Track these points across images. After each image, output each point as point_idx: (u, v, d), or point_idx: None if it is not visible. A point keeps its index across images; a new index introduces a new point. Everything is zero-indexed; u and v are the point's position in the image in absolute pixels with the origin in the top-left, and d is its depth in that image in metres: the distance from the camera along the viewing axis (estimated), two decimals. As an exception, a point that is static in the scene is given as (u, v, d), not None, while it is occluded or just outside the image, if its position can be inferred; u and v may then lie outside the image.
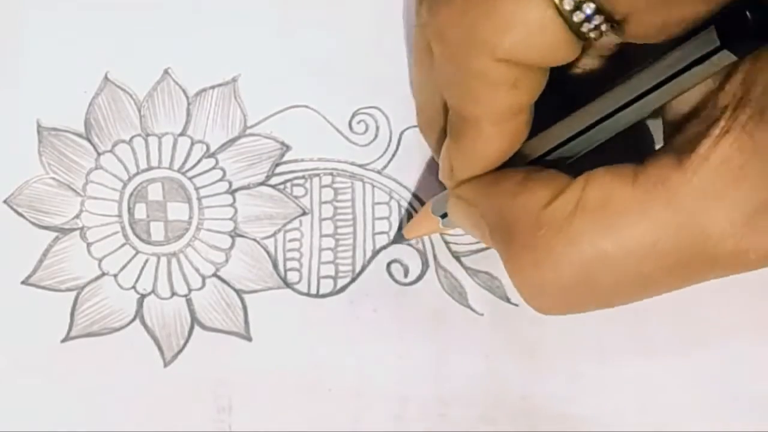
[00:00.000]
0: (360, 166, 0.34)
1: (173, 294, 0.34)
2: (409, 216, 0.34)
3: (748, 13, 0.22)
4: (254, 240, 0.34)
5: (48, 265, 0.34)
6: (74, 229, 0.34)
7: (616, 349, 0.34)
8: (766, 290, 0.34)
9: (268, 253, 0.34)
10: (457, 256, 0.34)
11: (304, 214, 0.34)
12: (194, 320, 0.34)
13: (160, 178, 0.34)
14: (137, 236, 0.34)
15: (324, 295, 0.34)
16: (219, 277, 0.34)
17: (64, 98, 0.34)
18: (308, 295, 0.34)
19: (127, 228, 0.34)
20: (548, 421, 0.34)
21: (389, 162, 0.34)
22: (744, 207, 0.23)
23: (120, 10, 0.34)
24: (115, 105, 0.34)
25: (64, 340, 0.33)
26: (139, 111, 0.34)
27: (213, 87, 0.34)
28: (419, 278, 0.34)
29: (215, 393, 0.34)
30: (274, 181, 0.34)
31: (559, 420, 0.34)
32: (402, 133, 0.34)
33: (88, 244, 0.34)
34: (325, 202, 0.34)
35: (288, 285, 0.34)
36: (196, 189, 0.34)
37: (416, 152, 0.34)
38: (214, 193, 0.34)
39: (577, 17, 0.24)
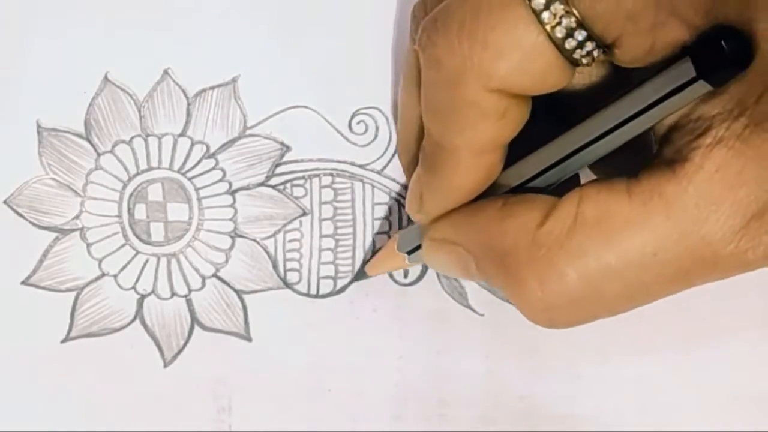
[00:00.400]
0: (360, 166, 0.34)
1: (173, 294, 0.34)
2: (374, 251, 0.34)
3: (723, 42, 0.22)
4: (254, 240, 0.34)
5: (48, 266, 0.34)
6: (74, 230, 0.34)
7: (616, 349, 0.34)
8: (766, 290, 0.34)
9: (267, 253, 0.34)
10: (457, 257, 0.34)
11: (304, 214, 0.34)
12: (194, 320, 0.34)
13: (160, 179, 0.34)
14: (137, 237, 0.34)
15: (324, 296, 0.34)
16: (219, 278, 0.34)
17: (64, 99, 0.34)
18: (308, 295, 0.34)
19: (127, 228, 0.34)
20: (548, 421, 0.34)
21: (389, 162, 0.34)
22: (743, 211, 0.24)
23: (120, 10, 0.34)
24: (115, 105, 0.34)
25: (64, 341, 0.33)
26: (139, 111, 0.34)
27: (213, 87, 0.34)
28: (419, 278, 0.34)
29: (215, 393, 0.34)
30: (274, 181, 0.34)
31: (559, 420, 0.34)
32: (402, 133, 0.34)
33: (88, 245, 0.34)
34: (325, 203, 0.34)
35: (288, 285, 0.34)
36: (196, 189, 0.34)
37: (416, 152, 0.34)
38: (214, 194, 0.34)
39: (569, 44, 0.24)
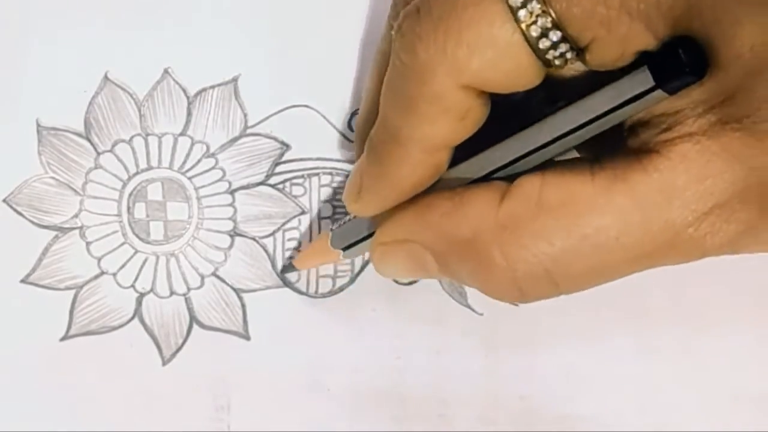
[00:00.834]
0: (359, 165, 0.34)
1: (172, 293, 0.34)
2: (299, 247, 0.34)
3: (681, 52, 0.23)
4: (253, 239, 0.34)
5: (47, 264, 0.34)
6: (73, 228, 0.34)
7: (616, 349, 0.34)
8: (766, 291, 0.34)
9: (267, 252, 0.34)
10: (456, 256, 0.34)
11: (303, 213, 0.34)
12: (193, 319, 0.34)
13: (160, 178, 0.34)
14: (136, 235, 0.34)
15: (323, 295, 0.34)
16: (218, 277, 0.34)
17: (64, 98, 0.34)
18: (307, 294, 0.34)
19: (127, 227, 0.34)
20: (547, 421, 0.34)
21: (388, 161, 0.34)
22: (706, 199, 0.24)
23: (120, 9, 0.34)
24: (115, 104, 0.34)
25: (63, 339, 0.34)
26: (139, 110, 0.34)
27: (213, 87, 0.34)
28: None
29: (214, 392, 0.34)
30: (273, 180, 0.34)
31: (559, 420, 0.34)
32: (401, 132, 0.34)
33: (88, 243, 0.34)
34: (324, 202, 0.34)
35: (287, 284, 0.34)
36: (196, 189, 0.34)
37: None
38: (213, 193, 0.34)
39: (543, 44, 0.24)
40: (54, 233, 0.34)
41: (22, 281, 0.34)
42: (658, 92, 0.24)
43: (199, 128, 0.34)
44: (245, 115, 0.34)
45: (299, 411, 0.34)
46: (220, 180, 0.34)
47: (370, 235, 0.30)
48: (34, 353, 0.33)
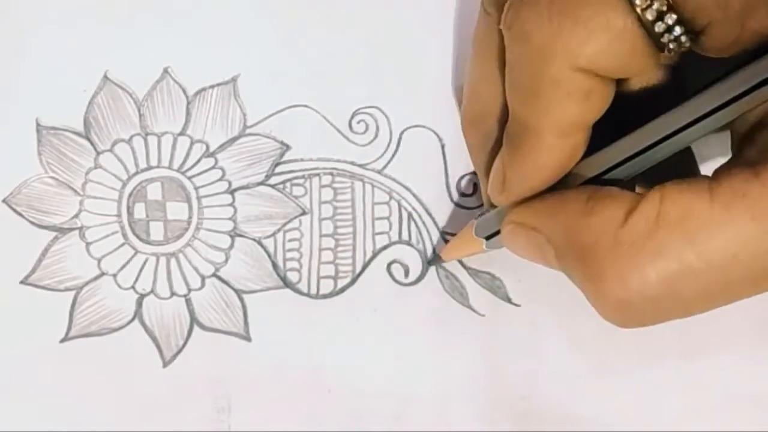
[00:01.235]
0: (360, 165, 0.34)
1: (172, 294, 0.34)
2: (444, 239, 0.34)
3: None
4: (254, 240, 0.34)
5: (47, 265, 0.33)
6: (73, 229, 0.34)
7: (616, 349, 0.34)
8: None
9: (267, 253, 0.34)
10: (457, 256, 0.34)
11: (303, 213, 0.34)
12: (193, 320, 0.34)
13: (160, 178, 0.34)
14: (136, 236, 0.34)
15: (324, 296, 0.34)
16: (218, 277, 0.34)
17: (64, 97, 0.34)
18: (308, 295, 0.34)
19: (127, 227, 0.34)
20: (548, 421, 0.34)
21: (389, 162, 0.34)
22: None
23: (120, 8, 0.34)
24: (115, 104, 0.34)
25: (62, 340, 0.33)
26: (139, 110, 0.34)
27: (213, 86, 0.34)
28: (420, 278, 0.34)
29: (214, 393, 0.33)
30: (273, 180, 0.34)
31: (559, 420, 0.34)
32: (402, 132, 0.34)
33: (87, 244, 0.34)
34: (325, 202, 0.34)
35: (288, 285, 0.34)
36: (196, 188, 0.34)
37: (416, 152, 0.34)
38: (213, 193, 0.34)
39: (659, 27, 0.24)
40: (54, 234, 0.34)
41: (22, 282, 0.33)
42: None
43: (199, 128, 0.34)
44: (244, 115, 0.34)
45: (300, 411, 0.34)
46: (219, 180, 0.34)
47: None
48: (34, 355, 0.33)
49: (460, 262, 0.34)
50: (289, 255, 0.34)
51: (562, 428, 0.34)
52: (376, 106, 0.34)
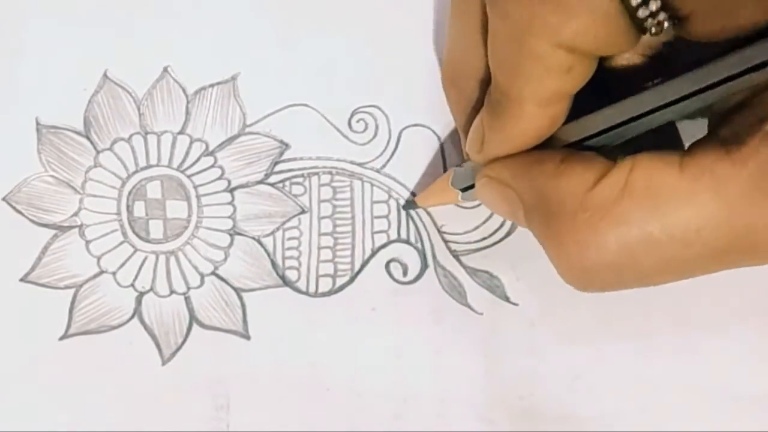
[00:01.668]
0: (359, 164, 0.34)
1: (172, 292, 0.34)
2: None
3: None
4: (253, 238, 0.34)
5: (46, 263, 0.34)
6: (73, 227, 0.34)
7: (616, 349, 0.34)
8: (766, 290, 0.34)
9: (266, 251, 0.34)
10: (456, 255, 0.34)
11: (302, 212, 0.34)
12: (193, 318, 0.34)
13: (159, 176, 0.34)
14: (136, 234, 0.34)
15: (323, 294, 0.34)
16: (218, 276, 0.34)
17: (63, 96, 0.34)
18: (307, 293, 0.34)
19: (126, 226, 0.34)
20: (547, 421, 0.34)
21: (388, 160, 0.34)
22: None
23: (119, 8, 0.34)
24: (114, 103, 0.34)
25: (62, 338, 0.33)
26: (139, 109, 0.34)
27: (212, 85, 0.34)
28: (418, 277, 0.34)
29: (213, 391, 0.33)
30: (273, 179, 0.34)
31: (559, 420, 0.34)
32: (401, 131, 0.34)
33: (87, 242, 0.34)
34: (324, 201, 0.34)
35: (287, 283, 0.34)
36: (195, 187, 0.34)
37: (415, 151, 0.34)
38: (212, 192, 0.34)
39: (642, 12, 0.24)
40: (53, 232, 0.34)
41: (22, 280, 0.33)
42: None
43: (198, 126, 0.34)
44: (244, 114, 0.34)
45: (299, 411, 0.34)
46: (219, 178, 0.34)
47: None
48: (33, 352, 0.33)
49: (459, 261, 0.34)
50: (288, 253, 0.34)
51: (561, 428, 0.34)
52: (376, 105, 0.34)
